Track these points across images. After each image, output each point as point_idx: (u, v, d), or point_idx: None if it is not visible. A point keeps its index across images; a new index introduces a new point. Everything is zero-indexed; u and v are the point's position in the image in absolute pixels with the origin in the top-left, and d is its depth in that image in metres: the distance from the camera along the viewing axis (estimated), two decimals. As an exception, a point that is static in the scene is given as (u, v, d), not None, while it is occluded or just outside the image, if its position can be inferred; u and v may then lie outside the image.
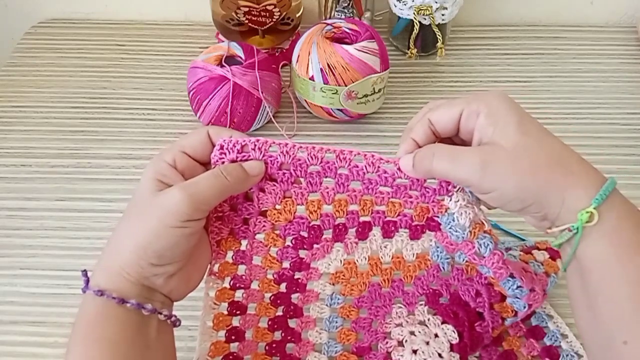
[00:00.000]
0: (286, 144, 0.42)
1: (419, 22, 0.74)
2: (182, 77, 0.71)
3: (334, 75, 0.66)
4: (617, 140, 0.71)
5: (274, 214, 0.45)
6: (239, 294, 0.48)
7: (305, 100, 0.70)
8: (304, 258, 0.48)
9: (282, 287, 0.49)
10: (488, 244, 0.45)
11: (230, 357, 0.48)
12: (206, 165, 0.43)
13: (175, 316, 0.42)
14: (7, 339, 0.55)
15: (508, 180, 0.38)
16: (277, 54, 0.79)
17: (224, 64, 0.67)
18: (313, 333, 0.51)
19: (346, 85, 0.66)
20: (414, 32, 0.75)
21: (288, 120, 0.72)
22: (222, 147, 0.42)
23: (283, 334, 0.50)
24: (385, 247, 0.49)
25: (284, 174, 0.44)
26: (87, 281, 0.40)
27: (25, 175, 0.67)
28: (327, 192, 0.45)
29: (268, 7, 0.73)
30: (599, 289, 0.38)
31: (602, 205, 0.37)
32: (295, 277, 0.49)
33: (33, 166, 0.68)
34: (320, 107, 0.69)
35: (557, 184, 0.38)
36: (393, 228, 0.48)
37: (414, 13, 0.73)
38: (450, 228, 0.45)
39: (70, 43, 0.82)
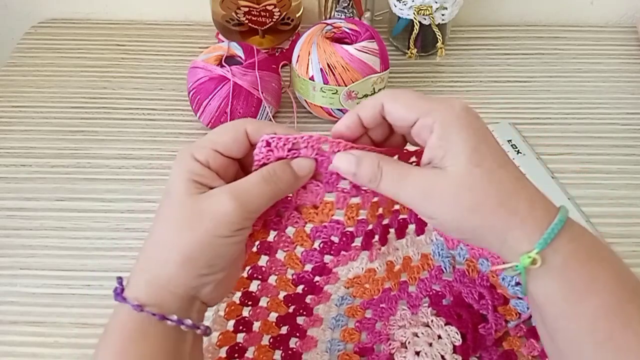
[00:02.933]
0: (339, 142, 0.40)
1: (419, 22, 0.74)
2: (182, 77, 0.71)
3: (334, 75, 0.66)
4: (617, 140, 0.71)
5: (310, 214, 0.43)
6: (254, 285, 0.47)
7: (305, 100, 0.70)
8: (327, 263, 0.46)
9: (299, 289, 0.48)
10: None
11: (236, 347, 0.47)
12: (239, 161, 0.40)
13: (209, 327, 0.41)
14: (7, 339, 0.55)
15: (446, 213, 0.36)
16: (277, 54, 0.79)
17: (224, 64, 0.67)
18: (318, 330, 0.51)
19: (346, 85, 0.66)
20: (414, 32, 0.75)
21: (288, 120, 0.72)
22: (268, 145, 0.39)
23: (289, 329, 0.49)
24: (396, 249, 0.48)
25: (331, 175, 0.40)
26: (122, 290, 0.38)
27: (25, 175, 0.67)
28: (367, 195, 0.42)
29: (268, 7, 0.73)
30: (557, 327, 0.36)
31: (547, 248, 0.35)
32: (314, 280, 0.48)
33: (33, 166, 0.68)
34: (320, 107, 0.69)
35: (497, 226, 0.35)
36: (404, 226, 0.47)
37: (414, 13, 0.73)
38: None
39: (70, 43, 0.82)
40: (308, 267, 0.46)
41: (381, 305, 0.50)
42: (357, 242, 0.45)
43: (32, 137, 0.71)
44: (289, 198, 0.42)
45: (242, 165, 0.41)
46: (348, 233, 0.44)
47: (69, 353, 0.54)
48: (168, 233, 0.37)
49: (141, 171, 0.68)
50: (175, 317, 0.37)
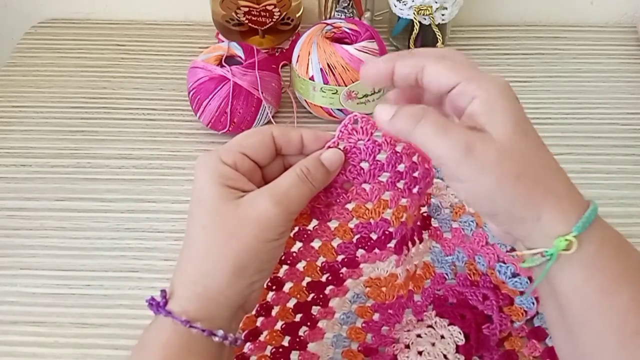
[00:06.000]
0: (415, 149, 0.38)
1: (419, 22, 0.74)
2: (182, 77, 0.71)
3: (334, 75, 0.66)
4: (617, 140, 0.71)
5: (362, 211, 0.42)
6: (282, 271, 0.46)
7: (305, 100, 0.70)
8: (357, 258, 0.46)
9: (323, 277, 0.47)
10: (470, 223, 0.45)
11: (254, 331, 0.47)
12: (262, 168, 0.40)
13: (242, 339, 0.41)
14: (7, 339, 0.55)
15: (487, 176, 0.33)
16: (277, 54, 0.79)
17: (224, 64, 0.67)
18: (328, 323, 0.50)
19: (346, 85, 0.66)
20: (414, 32, 0.75)
21: (288, 120, 0.72)
22: (353, 122, 0.38)
23: (302, 317, 0.49)
24: (412, 256, 0.48)
25: (396, 174, 0.40)
26: (165, 303, 0.36)
27: (25, 175, 0.67)
28: (414, 199, 0.41)
29: (268, 7, 0.73)
30: (582, 320, 0.35)
31: (583, 233, 0.33)
32: (340, 271, 0.47)
33: (33, 166, 0.68)
34: (320, 107, 0.69)
35: (535, 200, 0.34)
36: (419, 233, 0.47)
37: (414, 13, 0.73)
38: (437, 215, 0.46)
39: (70, 43, 0.82)
40: (339, 257, 0.46)
41: (389, 311, 0.50)
42: (392, 244, 0.44)
43: (32, 137, 0.71)
44: (347, 195, 0.41)
45: (263, 176, 0.40)
46: (388, 233, 0.43)
47: (69, 353, 0.54)
48: (214, 243, 0.36)
49: (141, 171, 0.68)
50: (221, 333, 0.36)
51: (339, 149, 0.39)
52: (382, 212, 0.41)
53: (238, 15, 0.74)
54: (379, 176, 0.40)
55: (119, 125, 0.72)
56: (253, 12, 0.74)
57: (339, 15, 0.77)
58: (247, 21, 0.75)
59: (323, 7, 0.78)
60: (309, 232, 0.43)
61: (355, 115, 0.38)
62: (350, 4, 0.77)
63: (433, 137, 0.34)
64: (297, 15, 0.78)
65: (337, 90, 0.67)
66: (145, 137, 0.71)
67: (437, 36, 0.75)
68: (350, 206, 0.42)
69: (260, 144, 0.38)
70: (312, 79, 0.67)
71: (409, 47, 0.77)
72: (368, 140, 0.38)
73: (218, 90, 0.66)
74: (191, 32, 0.84)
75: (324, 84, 0.66)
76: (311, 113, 0.72)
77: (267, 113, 0.68)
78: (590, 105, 0.74)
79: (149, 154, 0.69)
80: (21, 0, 0.86)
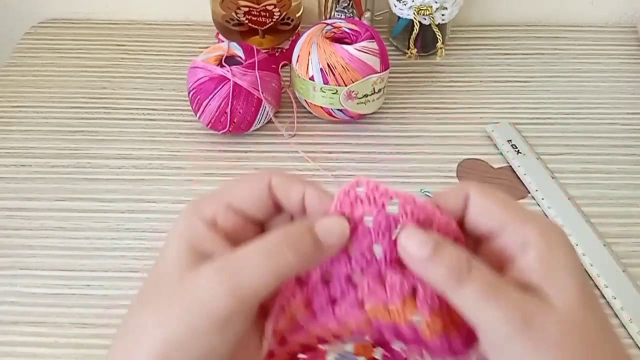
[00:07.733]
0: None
1: (419, 22, 0.74)
2: (182, 77, 0.71)
3: (334, 75, 0.66)
4: (617, 140, 0.71)
5: (380, 312, 0.29)
6: None
7: (305, 100, 0.70)
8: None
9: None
10: None
11: None
12: (260, 224, 0.31)
13: None
14: (7, 339, 0.55)
15: (550, 355, 0.26)
16: (277, 54, 0.79)
17: (224, 64, 0.67)
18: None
19: (346, 85, 0.66)
20: (414, 32, 0.75)
21: (288, 120, 0.72)
22: (358, 187, 0.28)
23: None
24: None
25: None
26: None
27: (25, 175, 0.67)
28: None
29: (268, 7, 0.74)
30: None
31: None
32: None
33: (33, 166, 0.68)
34: (320, 107, 0.69)
35: None
36: None
37: (414, 13, 0.73)
38: None
39: (70, 43, 0.82)
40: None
41: None
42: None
43: (32, 137, 0.71)
44: (356, 294, 0.28)
45: (267, 231, 0.30)
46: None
47: (69, 353, 0.54)
48: (143, 311, 0.28)
49: (141, 171, 0.68)
50: None
51: (345, 215, 0.28)
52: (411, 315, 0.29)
53: (238, 15, 0.75)
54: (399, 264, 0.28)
55: (119, 125, 0.72)
56: (253, 12, 0.74)
57: (339, 15, 0.77)
58: (247, 21, 0.75)
59: (323, 7, 0.78)
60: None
61: (359, 179, 0.28)
62: (350, 4, 0.77)
63: (482, 302, 0.27)
64: (297, 15, 0.78)
65: (337, 90, 0.67)
66: (145, 137, 0.71)
67: (437, 36, 0.75)
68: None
69: (251, 196, 0.30)
70: (312, 79, 0.67)
71: (408, 47, 0.77)
72: (379, 213, 0.27)
73: (218, 90, 0.66)
74: (191, 32, 0.84)
75: (324, 84, 0.66)
76: (311, 113, 0.72)
77: (267, 113, 0.68)
78: (590, 105, 0.74)
79: (149, 154, 0.69)
80: (21, 0, 0.86)
